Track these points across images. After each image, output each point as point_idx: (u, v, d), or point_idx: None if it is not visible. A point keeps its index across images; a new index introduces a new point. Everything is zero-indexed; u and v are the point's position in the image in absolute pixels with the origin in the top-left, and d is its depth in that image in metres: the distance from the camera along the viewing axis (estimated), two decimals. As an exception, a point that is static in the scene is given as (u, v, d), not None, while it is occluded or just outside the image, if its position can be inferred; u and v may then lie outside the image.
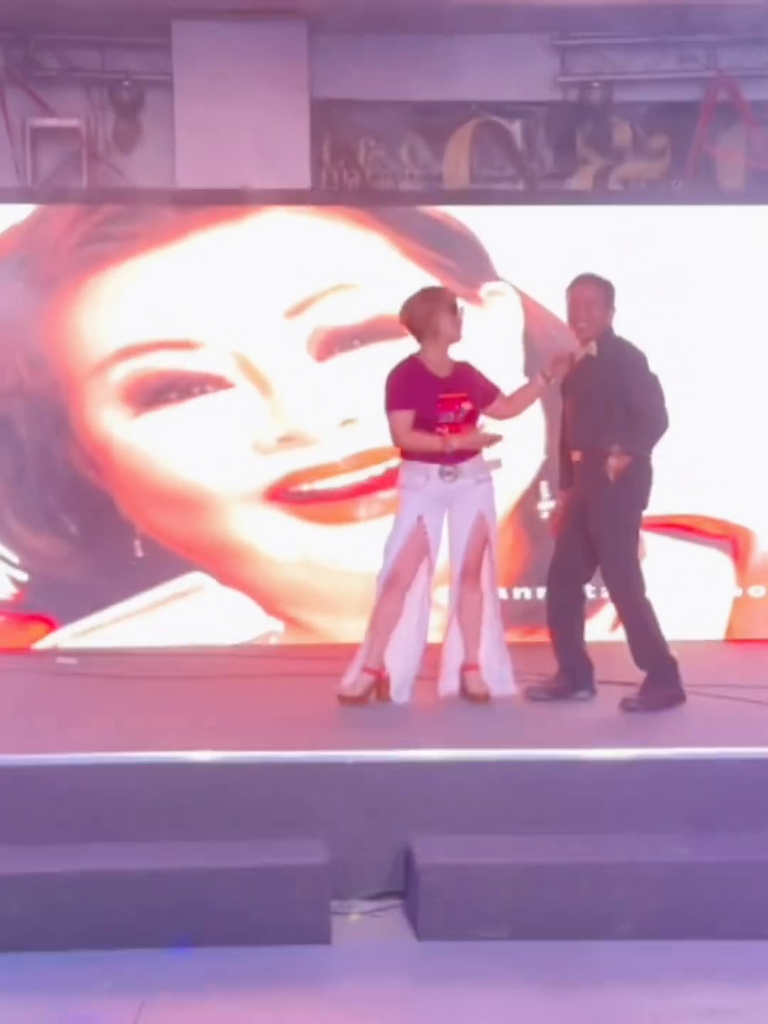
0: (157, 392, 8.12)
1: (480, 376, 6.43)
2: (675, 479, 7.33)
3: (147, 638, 8.14)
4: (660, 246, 7.81)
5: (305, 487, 8.19)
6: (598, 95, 8.80)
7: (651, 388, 6.30)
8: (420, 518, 6.32)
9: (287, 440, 8.10)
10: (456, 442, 6.23)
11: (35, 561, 8.24)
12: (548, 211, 8.34)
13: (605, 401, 6.26)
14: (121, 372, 8.10)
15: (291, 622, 8.33)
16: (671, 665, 6.32)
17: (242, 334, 8.11)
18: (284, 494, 8.16)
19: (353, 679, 6.39)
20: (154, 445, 8.18)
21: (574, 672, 6.50)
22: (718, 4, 8.13)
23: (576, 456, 6.43)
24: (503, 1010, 4.44)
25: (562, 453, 6.65)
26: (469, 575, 6.39)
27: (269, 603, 8.31)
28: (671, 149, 9.04)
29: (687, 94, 8.93)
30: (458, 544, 6.38)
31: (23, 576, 8.23)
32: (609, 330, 6.42)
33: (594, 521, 6.30)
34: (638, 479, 6.29)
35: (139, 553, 8.21)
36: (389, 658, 6.41)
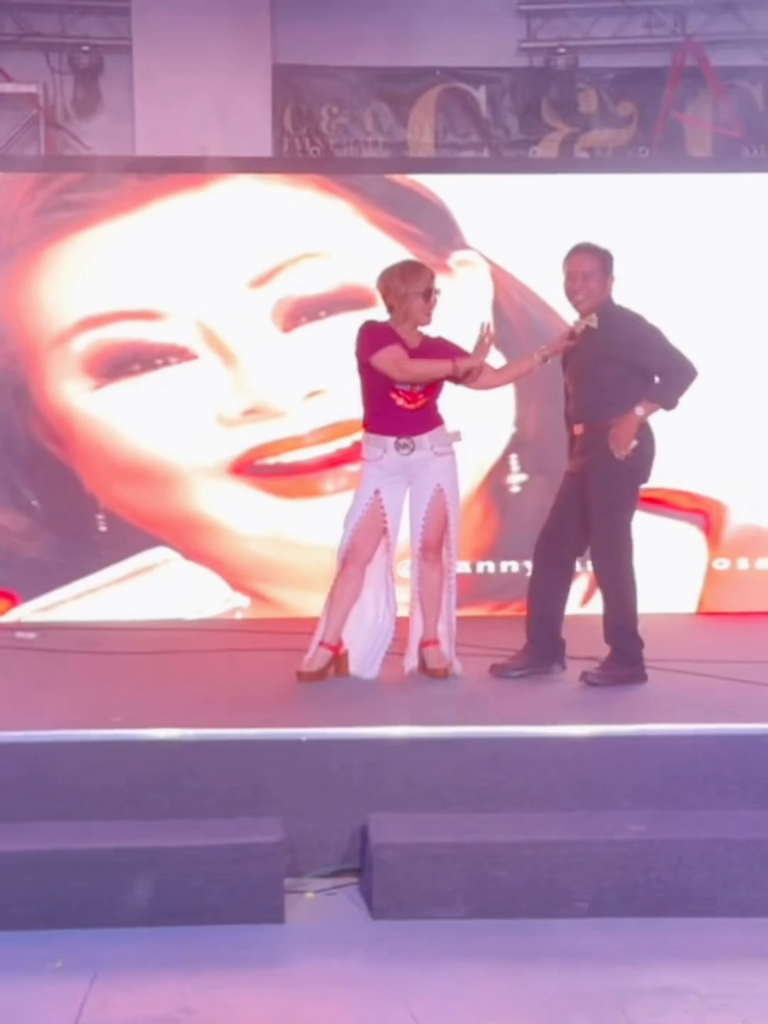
0: (119, 364, 8.11)
1: (454, 349, 6.37)
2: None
3: (111, 613, 8.15)
4: (627, 215, 7.81)
5: (270, 460, 8.21)
6: (564, 61, 8.84)
7: (663, 346, 6.28)
8: (377, 492, 6.30)
9: (252, 413, 8.11)
10: (465, 364, 6.22)
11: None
12: (514, 179, 8.34)
13: (610, 374, 6.24)
14: (83, 343, 8.09)
15: (257, 597, 8.32)
16: (638, 645, 6.34)
17: (206, 304, 8.11)
18: (249, 468, 8.18)
19: (311, 654, 6.38)
20: (117, 418, 8.18)
21: (543, 650, 6.50)
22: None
23: (577, 429, 6.39)
24: (459, 990, 4.43)
25: (567, 425, 6.59)
26: (428, 550, 6.38)
27: (234, 578, 8.30)
28: (638, 116, 9.05)
29: (654, 60, 8.95)
30: (417, 519, 6.37)
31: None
32: (608, 301, 6.38)
33: (591, 491, 6.26)
34: (639, 452, 6.25)
35: (102, 528, 8.18)
36: (350, 633, 6.41)
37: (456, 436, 6.37)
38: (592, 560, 6.46)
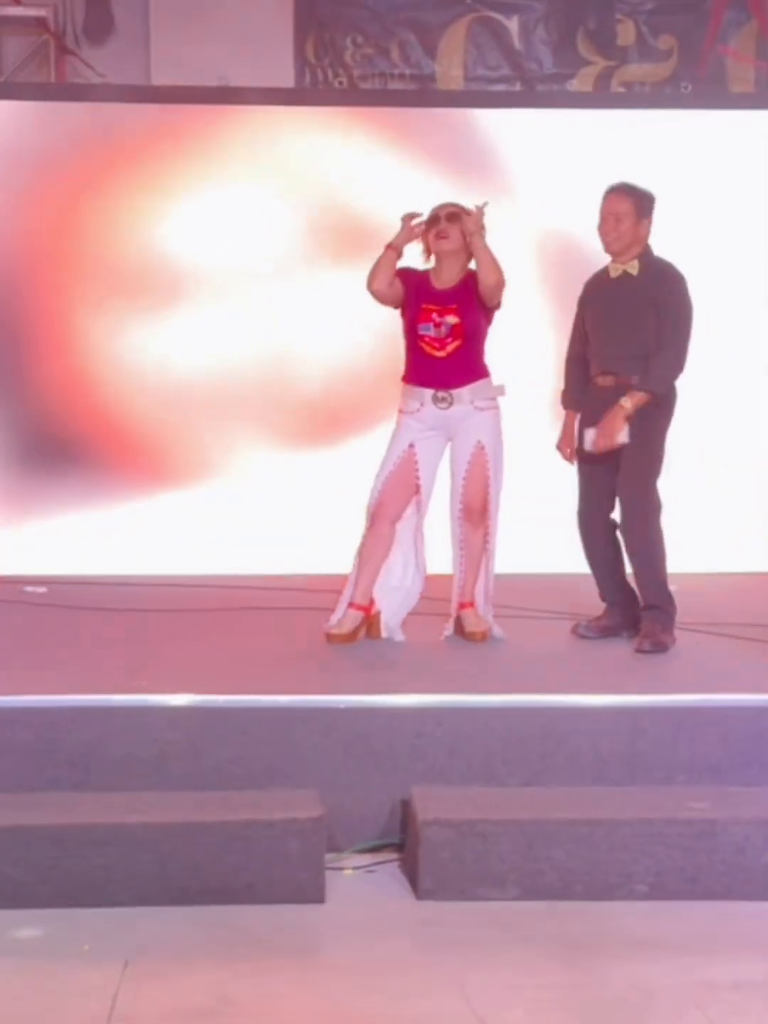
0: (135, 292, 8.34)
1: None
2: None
3: (123, 567, 8.12)
4: (665, 153, 7.78)
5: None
6: (602, -9, 8.74)
7: (683, 323, 6.21)
8: (411, 445, 6.21)
9: None
10: (397, 240, 6.18)
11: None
12: (547, 114, 8.28)
13: (649, 326, 6.15)
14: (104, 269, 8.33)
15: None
16: (672, 602, 6.30)
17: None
18: None
19: (340, 616, 6.29)
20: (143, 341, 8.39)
21: (622, 606, 6.46)
22: None
23: (607, 381, 6.24)
24: (510, 977, 4.32)
25: (572, 369, 6.53)
26: (471, 513, 6.25)
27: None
28: (679, 50, 8.97)
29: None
30: (457, 478, 6.26)
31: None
32: (647, 248, 6.28)
33: (627, 449, 6.16)
34: (666, 408, 6.21)
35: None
36: (380, 593, 6.31)
37: (500, 389, 6.26)
38: (622, 514, 6.38)
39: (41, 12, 8.60)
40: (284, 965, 4.44)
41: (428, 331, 6.15)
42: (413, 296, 6.21)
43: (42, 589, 7.59)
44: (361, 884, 5.05)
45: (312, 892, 4.85)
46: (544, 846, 4.92)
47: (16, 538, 8.24)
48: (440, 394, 6.14)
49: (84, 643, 6.49)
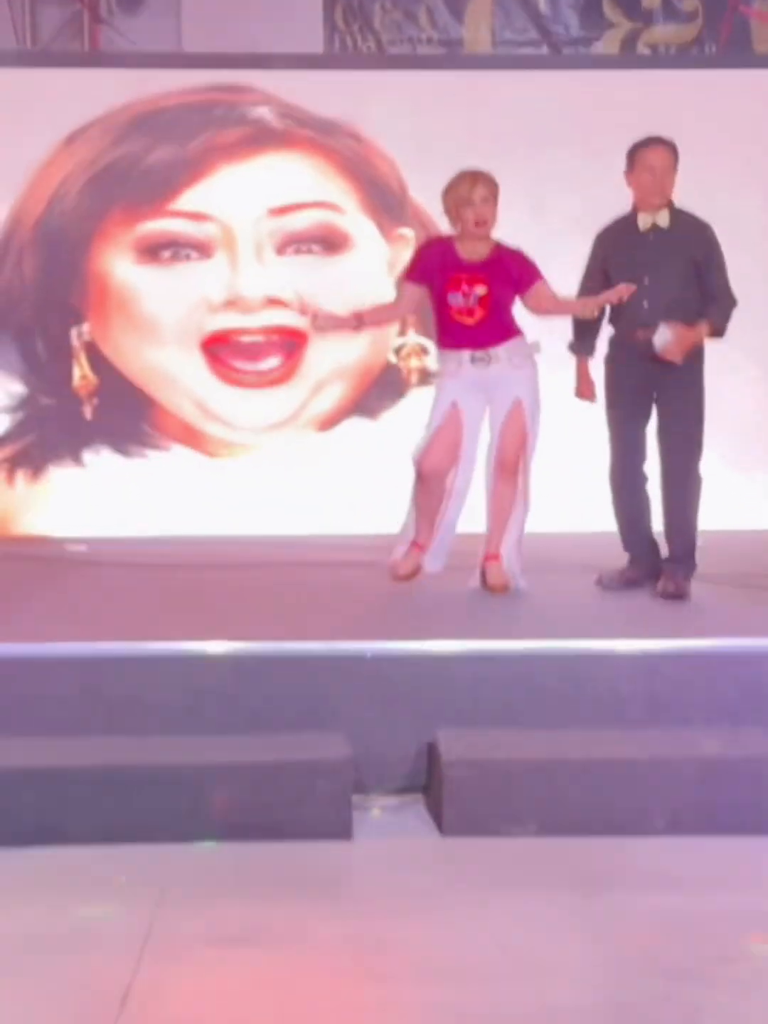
0: (159, 248, 8.42)
1: (519, 263, 6.28)
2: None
3: (156, 527, 8.19)
4: (692, 114, 7.74)
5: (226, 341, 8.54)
6: (628, -47, 8.75)
7: (724, 265, 6.33)
8: (454, 404, 6.28)
9: (230, 305, 8.42)
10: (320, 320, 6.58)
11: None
12: (574, 75, 8.31)
13: (687, 276, 6.26)
14: (144, 229, 8.37)
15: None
16: (694, 555, 6.38)
17: (239, 215, 8.34)
18: (211, 345, 8.49)
19: (401, 554, 6.40)
20: (142, 291, 8.48)
21: (646, 559, 6.52)
22: None
23: (648, 333, 6.25)
24: (533, 911, 4.41)
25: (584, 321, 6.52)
26: (504, 467, 6.32)
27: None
28: (703, 11, 8.97)
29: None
30: (494, 434, 6.34)
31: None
32: (672, 201, 6.33)
33: (676, 398, 6.28)
34: (700, 360, 6.32)
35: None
36: (436, 538, 6.43)
37: (535, 347, 6.34)
38: (670, 458, 6.40)
39: None
40: (312, 897, 4.53)
41: (456, 301, 6.21)
42: (439, 267, 6.28)
43: (83, 547, 7.67)
44: (387, 822, 5.16)
45: (340, 829, 4.94)
46: (563, 784, 5.02)
47: (58, 500, 8.35)
48: (478, 355, 6.22)
49: (123, 596, 6.56)
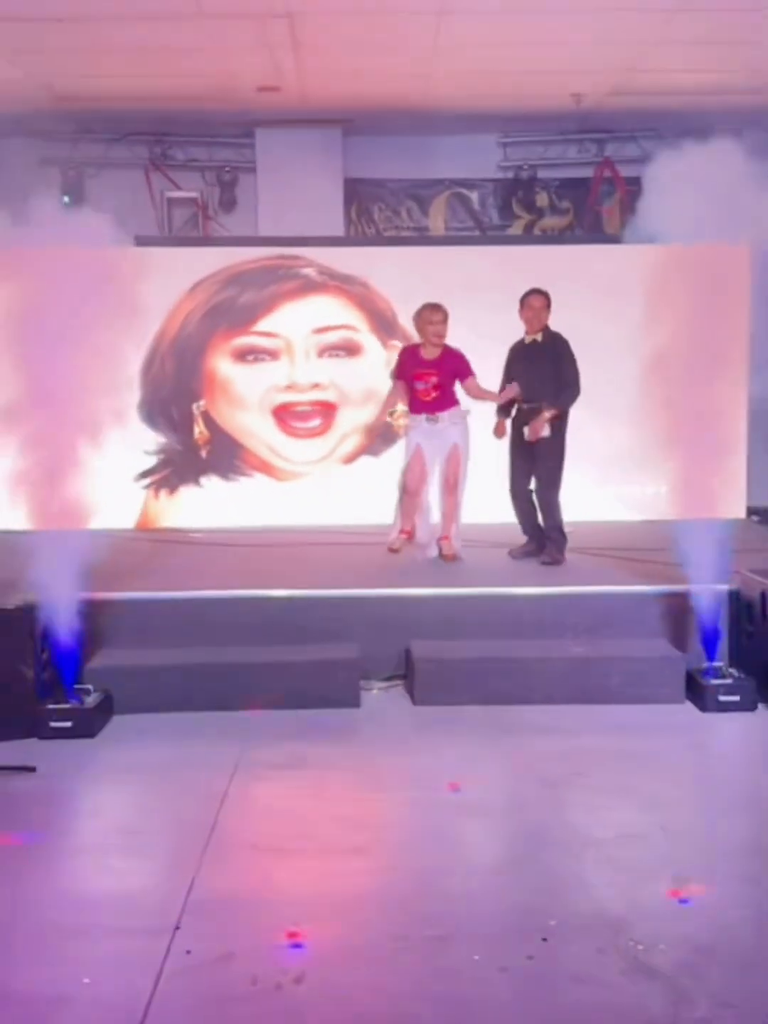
0: (246, 353, 8.17)
1: (457, 361, 6.17)
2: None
3: (248, 520, 7.92)
4: (568, 273, 7.57)
5: (290, 410, 8.21)
6: (526, 174, 8.65)
7: (572, 369, 6.15)
8: (419, 446, 6.18)
9: (290, 388, 8.16)
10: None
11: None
12: (495, 250, 8.22)
13: (544, 373, 6.12)
14: (237, 342, 8.16)
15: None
16: (564, 536, 6.24)
17: (295, 334, 8.12)
18: (279, 412, 8.18)
19: (393, 537, 6.26)
20: (235, 378, 8.23)
21: (537, 538, 6.33)
22: (606, 113, 8.03)
23: (526, 405, 6.20)
24: (467, 747, 4.51)
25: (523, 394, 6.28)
26: (448, 485, 6.23)
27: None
28: (574, 209, 8.92)
29: (584, 173, 8.77)
30: (442, 465, 6.24)
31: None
32: (547, 326, 6.23)
33: (542, 448, 6.14)
34: (564, 422, 6.19)
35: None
36: (419, 529, 6.28)
37: (465, 413, 6.26)
38: (537, 484, 6.29)
39: (194, 194, 8.65)
40: (335, 740, 4.63)
41: (420, 385, 6.14)
42: (410, 366, 6.18)
43: (198, 534, 7.55)
44: (381, 697, 5.19)
45: (352, 701, 5.00)
46: (487, 673, 5.06)
47: (185, 508, 8.12)
48: (431, 417, 6.15)
49: (220, 563, 6.50)
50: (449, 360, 6.18)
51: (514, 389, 6.18)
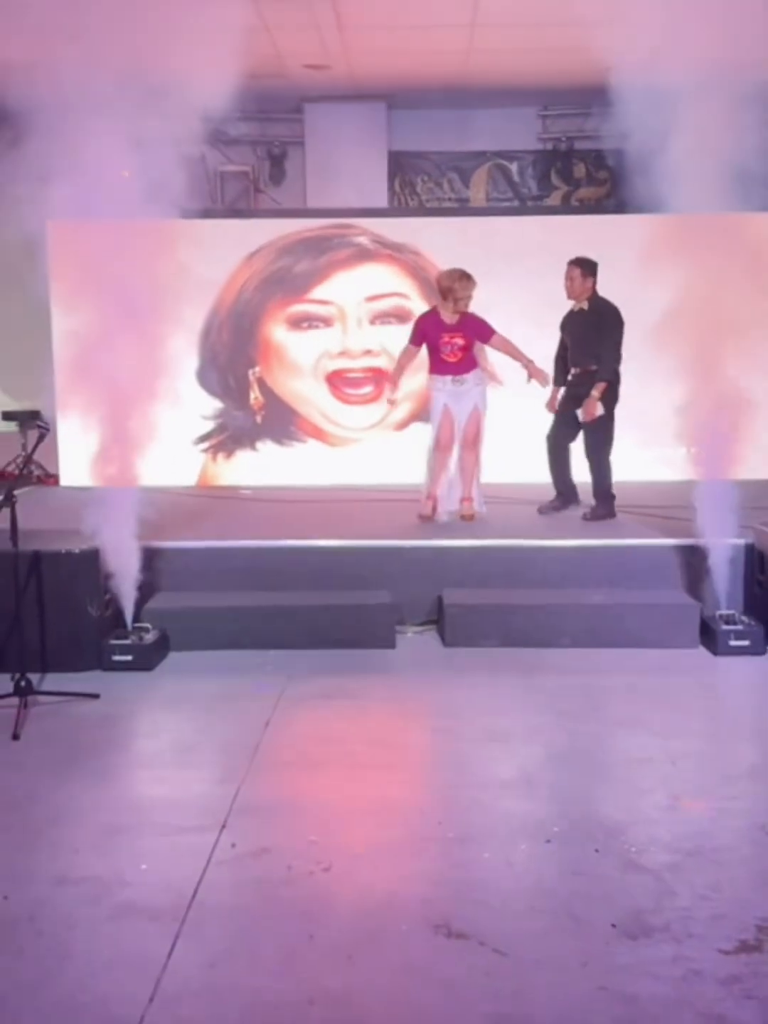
0: (301, 321, 8.26)
1: (478, 324, 6.24)
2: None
3: (301, 479, 8.10)
4: (603, 242, 7.57)
5: (342, 376, 8.28)
6: (565, 146, 8.72)
7: (612, 338, 6.08)
8: (446, 405, 6.28)
9: (343, 354, 8.22)
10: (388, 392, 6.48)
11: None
12: (534, 219, 8.23)
13: (589, 340, 6.14)
14: (292, 310, 8.24)
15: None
16: (612, 497, 6.31)
17: (349, 301, 8.19)
18: (330, 378, 8.27)
19: (424, 503, 6.40)
20: (289, 345, 8.31)
21: (567, 495, 6.45)
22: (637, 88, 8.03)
23: (575, 370, 6.29)
24: (494, 686, 4.71)
25: (557, 364, 6.43)
26: (467, 443, 6.33)
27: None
28: (610, 179, 8.95)
29: (620, 144, 8.83)
30: (462, 423, 6.32)
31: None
32: (594, 292, 6.21)
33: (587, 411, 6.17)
34: (614, 389, 6.21)
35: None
36: (441, 489, 6.39)
37: (484, 376, 6.38)
38: (587, 446, 6.30)
39: (245, 168, 8.83)
40: (372, 675, 4.88)
41: (446, 349, 6.20)
42: (433, 330, 6.20)
43: (249, 491, 7.73)
44: (414, 640, 5.41)
45: (389, 642, 5.22)
46: (512, 618, 5.26)
47: (241, 469, 8.29)
48: (457, 379, 6.23)
49: (270, 517, 6.67)
50: (470, 323, 6.24)
51: (538, 374, 6.20)
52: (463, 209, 8.89)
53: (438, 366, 6.30)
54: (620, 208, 8.33)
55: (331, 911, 2.89)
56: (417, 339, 6.35)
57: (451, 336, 6.23)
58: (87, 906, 2.94)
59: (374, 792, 3.67)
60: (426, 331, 6.29)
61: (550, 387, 6.43)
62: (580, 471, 6.52)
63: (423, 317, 6.42)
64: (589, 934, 2.77)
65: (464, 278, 6.22)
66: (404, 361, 6.47)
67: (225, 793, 3.61)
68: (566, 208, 8.85)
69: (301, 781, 3.77)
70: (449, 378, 6.28)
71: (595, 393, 6.11)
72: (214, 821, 3.41)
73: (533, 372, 6.21)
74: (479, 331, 6.26)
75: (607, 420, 6.24)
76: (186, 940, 2.76)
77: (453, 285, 6.19)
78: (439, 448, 6.37)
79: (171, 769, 3.87)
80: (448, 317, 6.25)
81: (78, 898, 2.99)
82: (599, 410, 6.13)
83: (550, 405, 6.45)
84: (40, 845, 3.30)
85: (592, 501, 6.36)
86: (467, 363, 6.29)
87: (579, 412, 6.23)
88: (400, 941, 2.75)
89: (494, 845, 3.24)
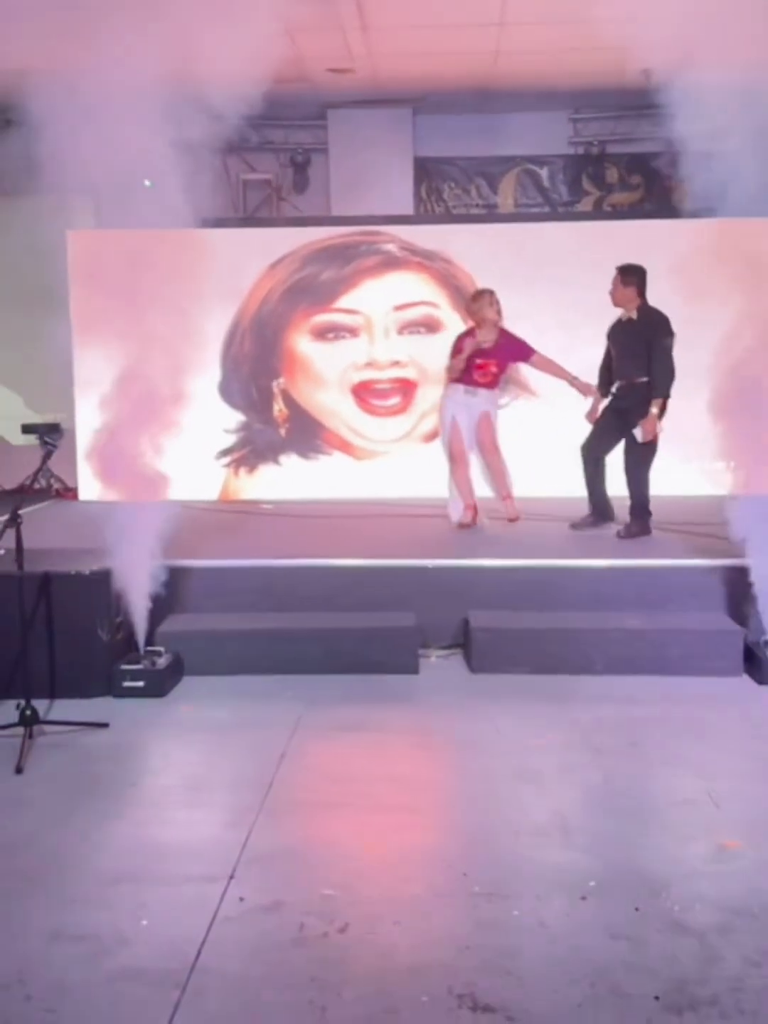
0: (326, 331, 8.13)
1: (515, 343, 6.18)
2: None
3: (318, 493, 7.95)
4: (638, 248, 7.40)
5: (369, 387, 8.15)
6: (596, 149, 8.55)
7: (661, 348, 5.86)
8: (455, 417, 6.24)
9: (369, 365, 8.09)
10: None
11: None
12: (564, 225, 8.05)
13: (637, 351, 5.95)
14: (317, 320, 8.12)
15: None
16: (648, 513, 6.12)
17: (375, 311, 8.05)
18: (356, 389, 8.14)
19: (460, 513, 6.29)
20: (314, 356, 8.19)
21: (602, 511, 6.28)
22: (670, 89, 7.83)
23: (620, 382, 6.09)
24: (524, 718, 4.50)
25: (602, 373, 6.22)
26: (488, 448, 6.28)
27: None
28: (644, 184, 8.78)
29: (655, 147, 8.63)
30: (474, 431, 6.29)
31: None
32: (642, 302, 6.00)
33: (633, 425, 5.98)
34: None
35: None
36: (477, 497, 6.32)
37: (501, 402, 6.34)
38: (627, 461, 6.11)
39: (267, 176, 8.70)
40: (395, 704, 4.66)
41: (478, 373, 6.16)
42: (468, 350, 6.16)
43: (270, 506, 7.61)
44: (439, 665, 5.20)
45: (411, 667, 5.01)
46: (544, 643, 5.04)
47: (255, 476, 8.19)
48: (469, 389, 6.17)
49: (290, 533, 6.56)
50: (506, 347, 6.18)
51: (585, 388, 6.10)
52: (493, 215, 8.72)
53: (465, 375, 6.23)
54: (661, 213, 8.11)
55: (346, 979, 2.64)
56: (455, 354, 6.27)
57: (485, 362, 6.18)
58: (82, 967, 2.71)
59: (394, 838, 3.42)
60: (463, 352, 6.21)
61: (592, 399, 6.25)
62: (614, 485, 6.31)
63: (461, 336, 6.33)
64: (630, 1009, 2.51)
65: (478, 296, 6.21)
66: (457, 364, 6.28)
67: (235, 838, 3.38)
68: (599, 214, 8.67)
69: (316, 825, 3.54)
70: (462, 387, 6.22)
71: (654, 410, 5.89)
72: (222, 870, 3.17)
73: (579, 388, 6.09)
74: (517, 352, 6.20)
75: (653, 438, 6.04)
76: (186, 1011, 2.52)
77: (471, 306, 6.21)
78: (453, 461, 6.30)
79: (180, 809, 3.65)
80: (484, 337, 6.18)
81: (73, 958, 2.76)
82: (659, 427, 5.93)
83: (590, 416, 6.29)
84: (36, 893, 3.07)
85: (627, 517, 6.16)
86: (493, 384, 6.24)
87: (636, 432, 6.00)
88: (421, 1016, 2.49)
89: (525, 902, 2.98)
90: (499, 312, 6.16)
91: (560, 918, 2.91)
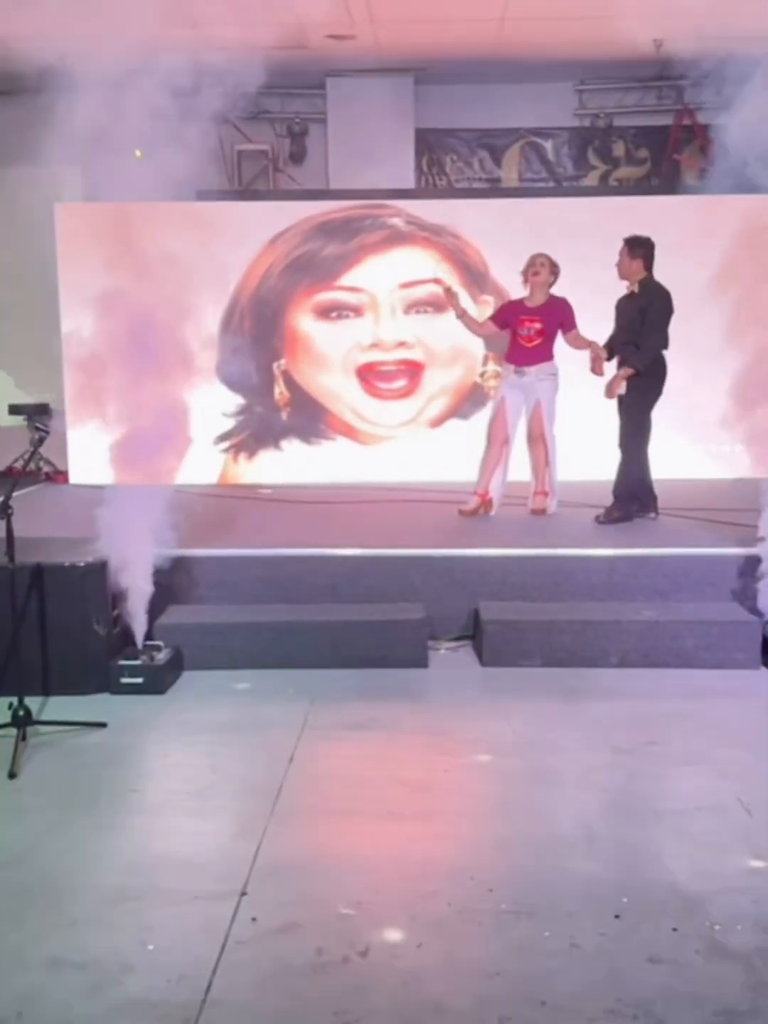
0: (329, 310, 7.89)
1: (562, 311, 6.00)
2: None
3: (320, 476, 7.78)
4: (644, 224, 7.23)
5: (374, 369, 7.93)
6: (603, 122, 8.35)
7: (655, 323, 5.73)
8: (504, 397, 6.12)
9: (374, 346, 7.86)
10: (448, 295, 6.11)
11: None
12: (569, 200, 7.82)
13: (631, 325, 5.82)
14: (320, 298, 7.89)
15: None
16: (634, 499, 5.92)
17: (381, 289, 7.80)
18: (361, 371, 7.91)
19: (471, 501, 6.20)
20: (317, 335, 7.96)
21: (627, 502, 6.02)
22: (682, 60, 7.65)
23: (618, 357, 5.96)
24: (539, 715, 4.35)
25: (611, 348, 6.05)
26: (532, 438, 6.13)
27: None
28: (651, 158, 8.58)
29: (662, 120, 8.43)
30: (523, 418, 6.14)
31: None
32: (647, 276, 5.85)
33: (621, 402, 5.89)
34: (655, 376, 5.84)
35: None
36: (493, 487, 6.16)
37: (555, 371, 6.07)
38: (620, 436, 5.98)
39: (264, 146, 8.49)
40: (404, 701, 4.50)
41: (523, 331, 5.99)
42: (512, 312, 6.05)
43: (268, 490, 7.45)
44: (448, 657, 5.07)
45: (420, 661, 4.87)
46: (556, 635, 4.90)
47: (255, 461, 8.03)
48: (519, 370, 6.02)
49: (293, 521, 6.40)
50: (555, 309, 6.01)
51: (596, 349, 5.96)
52: (496, 190, 8.50)
53: (511, 351, 6.12)
54: (664, 188, 7.95)
55: (369, 1012, 2.45)
56: (498, 319, 6.18)
57: (530, 318, 6.03)
58: (84, 999, 2.53)
59: (413, 849, 3.24)
60: (505, 312, 6.15)
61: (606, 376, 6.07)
62: (658, 470, 6.12)
63: (507, 302, 6.27)
64: (675, 1043, 2.33)
65: (532, 259, 6.05)
66: (473, 324, 6.21)
67: (245, 850, 3.19)
68: (605, 188, 8.45)
69: (329, 834, 3.35)
70: (512, 368, 6.10)
71: (620, 373, 5.79)
72: (232, 887, 2.99)
73: (596, 365, 5.96)
74: (562, 318, 6.03)
75: (641, 412, 5.88)
76: (199, 1050, 2.34)
77: (526, 270, 6.07)
78: (490, 441, 6.15)
79: (185, 818, 3.46)
80: (532, 299, 6.07)
81: (74, 988, 2.57)
82: (622, 389, 5.79)
83: (610, 392, 6.01)
84: (33, 916, 2.88)
85: (661, 506, 6.08)
86: (541, 352, 6.03)
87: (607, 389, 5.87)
88: (452, 1054, 2.32)
89: (556, 921, 2.80)
90: (553, 272, 6.00)
91: (593, 939, 2.74)
